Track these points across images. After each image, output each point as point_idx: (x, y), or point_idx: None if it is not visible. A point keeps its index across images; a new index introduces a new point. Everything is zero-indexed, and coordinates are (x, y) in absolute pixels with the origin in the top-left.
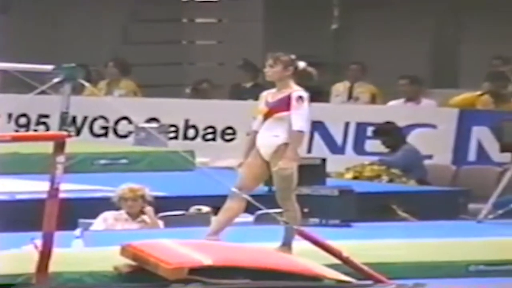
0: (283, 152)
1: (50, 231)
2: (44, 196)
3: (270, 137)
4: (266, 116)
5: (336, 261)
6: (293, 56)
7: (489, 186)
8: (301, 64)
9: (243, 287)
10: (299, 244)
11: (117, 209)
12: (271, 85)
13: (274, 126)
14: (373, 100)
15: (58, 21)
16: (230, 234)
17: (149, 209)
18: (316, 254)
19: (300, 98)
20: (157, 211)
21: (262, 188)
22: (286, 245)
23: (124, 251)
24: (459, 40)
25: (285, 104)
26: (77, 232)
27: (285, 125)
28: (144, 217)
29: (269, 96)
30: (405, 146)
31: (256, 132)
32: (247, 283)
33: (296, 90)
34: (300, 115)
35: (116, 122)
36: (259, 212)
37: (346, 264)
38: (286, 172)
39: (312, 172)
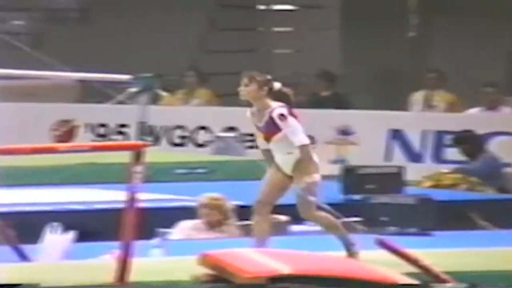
0: (303, 165)
1: (128, 240)
2: (122, 205)
3: (284, 155)
4: (267, 139)
5: (415, 270)
6: (269, 76)
7: None
8: (277, 85)
9: None
10: (377, 252)
11: (196, 218)
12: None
13: (281, 146)
14: (451, 108)
15: (135, 31)
16: (307, 243)
17: (228, 218)
18: (395, 262)
19: (282, 115)
20: (235, 220)
21: (338, 197)
22: (349, 252)
23: (202, 260)
24: None
25: (272, 126)
26: (156, 241)
27: (290, 141)
28: (223, 226)
29: (255, 119)
30: (485, 154)
31: (267, 150)
32: None
33: (274, 109)
34: (292, 131)
35: (194, 132)
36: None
37: (425, 272)
38: (312, 186)
39: (391, 180)
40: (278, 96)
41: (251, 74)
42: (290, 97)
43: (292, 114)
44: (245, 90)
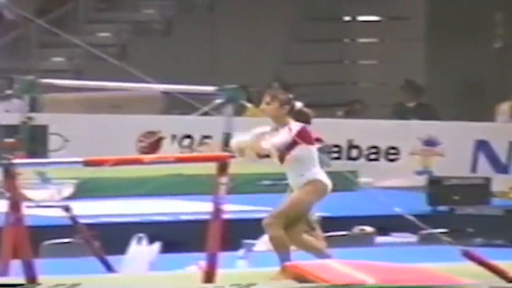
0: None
1: (214, 251)
2: (207, 217)
3: (296, 177)
4: (281, 159)
5: (502, 282)
6: (290, 96)
7: None
8: (298, 104)
9: None
10: (464, 264)
11: None
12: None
13: (295, 166)
14: None
15: (219, 42)
16: (393, 254)
17: (312, 229)
18: (482, 274)
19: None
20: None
21: (424, 208)
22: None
23: (287, 271)
24: None
25: (287, 146)
26: (241, 252)
27: (303, 162)
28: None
29: (269, 138)
30: None
31: None
32: None
33: (295, 126)
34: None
35: None
36: (423, 232)
37: None
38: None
39: (477, 191)
40: (298, 116)
41: (273, 92)
42: (310, 118)
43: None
44: (267, 108)
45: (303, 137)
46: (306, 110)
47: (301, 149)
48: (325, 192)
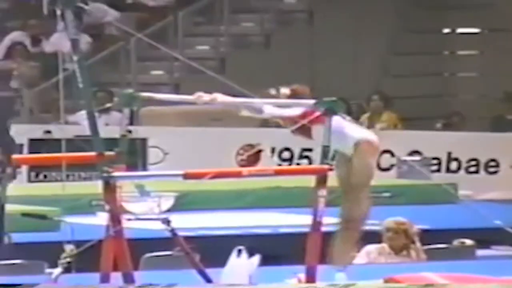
0: None
1: (313, 264)
2: (307, 229)
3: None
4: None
5: None
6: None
7: None
8: None
9: None
10: None
11: (381, 242)
12: None
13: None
14: None
15: (318, 55)
16: (493, 267)
17: (413, 242)
18: None
19: None
20: (420, 244)
21: None
22: None
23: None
24: None
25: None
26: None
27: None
28: (408, 250)
29: None
30: None
31: None
32: None
33: None
34: None
35: (379, 155)
36: None
37: None
38: None
39: None
40: None
41: (292, 87)
42: None
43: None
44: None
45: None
46: None
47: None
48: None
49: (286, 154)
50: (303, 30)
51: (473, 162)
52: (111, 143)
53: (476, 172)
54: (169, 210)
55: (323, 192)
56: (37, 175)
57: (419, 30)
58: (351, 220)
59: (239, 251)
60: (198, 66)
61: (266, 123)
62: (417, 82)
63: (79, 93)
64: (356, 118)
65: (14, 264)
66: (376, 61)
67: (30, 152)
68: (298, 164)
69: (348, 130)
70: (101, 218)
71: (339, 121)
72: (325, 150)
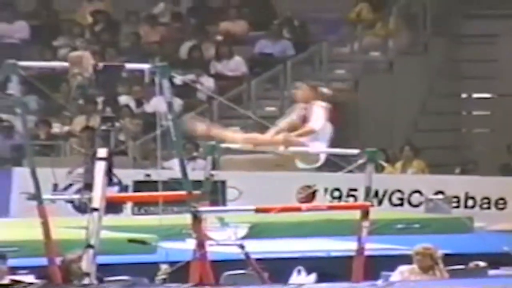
0: None
1: (358, 281)
2: (353, 253)
3: None
4: None
5: None
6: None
7: None
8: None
9: None
10: None
11: (411, 263)
12: None
13: None
14: None
15: (363, 113)
16: (498, 284)
17: (437, 263)
18: None
19: None
20: (443, 265)
21: None
22: None
23: None
24: None
25: None
26: (379, 282)
27: None
28: (434, 270)
29: None
30: None
31: None
32: None
33: None
34: None
35: (410, 195)
36: None
37: None
38: None
39: None
40: None
41: (309, 83)
42: None
43: None
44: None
45: None
46: None
47: None
48: None
49: (336, 193)
50: (350, 95)
51: (486, 200)
52: (197, 184)
53: (488, 208)
54: (243, 238)
55: (366, 223)
56: (139, 209)
57: (442, 95)
58: None
59: (299, 270)
60: (267, 124)
61: (320, 168)
62: (441, 136)
63: (173, 145)
64: (392, 164)
65: (121, 280)
66: (408, 119)
67: (134, 191)
68: (346, 201)
69: None
70: (190, 244)
71: None
72: (367, 191)
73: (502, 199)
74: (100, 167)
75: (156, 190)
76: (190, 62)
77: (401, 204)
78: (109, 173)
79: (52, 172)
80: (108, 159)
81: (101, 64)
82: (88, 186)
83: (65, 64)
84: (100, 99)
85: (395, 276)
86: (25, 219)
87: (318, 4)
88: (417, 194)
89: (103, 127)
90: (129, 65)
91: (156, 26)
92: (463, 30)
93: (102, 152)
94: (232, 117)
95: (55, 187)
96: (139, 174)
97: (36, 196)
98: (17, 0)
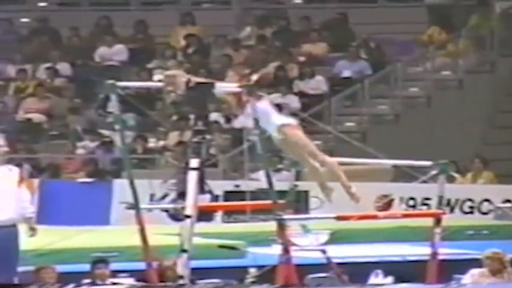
0: None
1: (432, 283)
2: (427, 258)
3: None
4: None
5: None
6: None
7: None
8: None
9: None
10: None
11: (482, 267)
12: None
13: None
14: None
15: (435, 129)
16: None
17: (506, 267)
18: None
19: None
20: None
21: None
22: None
23: None
24: None
25: None
26: (452, 284)
27: None
28: (502, 273)
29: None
30: None
31: None
32: None
33: None
34: None
35: (480, 203)
36: None
37: None
38: None
39: None
40: None
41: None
42: None
43: None
44: None
45: None
46: None
47: None
48: None
49: (411, 202)
50: (424, 112)
51: None
52: (282, 194)
53: None
54: (325, 243)
55: (438, 230)
56: (228, 217)
57: (508, 110)
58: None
59: (377, 273)
60: (346, 138)
61: (396, 179)
62: (508, 148)
63: (259, 158)
64: (463, 175)
65: (212, 282)
66: (477, 132)
67: (224, 201)
68: (420, 209)
69: (273, 116)
70: (275, 249)
71: (267, 107)
72: (440, 199)
73: None
74: (192, 177)
75: (245, 200)
76: (275, 81)
77: (472, 212)
78: (201, 182)
79: (149, 183)
80: (200, 169)
81: (193, 81)
82: (181, 195)
83: (160, 84)
84: (192, 116)
85: (466, 278)
86: (124, 226)
87: (393, 27)
88: (486, 203)
89: (195, 139)
90: (219, 84)
91: (243, 48)
92: None
93: (194, 162)
94: (314, 132)
95: (151, 197)
96: (228, 185)
97: (134, 205)
98: (116, 26)
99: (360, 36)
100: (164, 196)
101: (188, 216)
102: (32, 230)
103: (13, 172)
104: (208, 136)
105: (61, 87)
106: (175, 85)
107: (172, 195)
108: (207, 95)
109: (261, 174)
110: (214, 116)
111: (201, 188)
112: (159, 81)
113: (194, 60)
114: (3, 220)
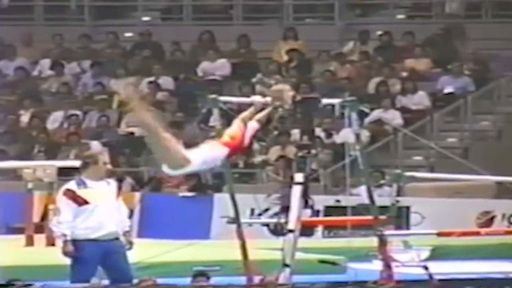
0: None
1: None
2: None
3: None
4: None
5: None
6: None
7: None
8: None
9: None
10: None
11: None
12: None
13: None
14: None
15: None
16: None
17: None
18: None
19: None
20: None
21: None
22: None
23: None
24: None
25: None
26: None
27: None
28: None
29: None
30: None
31: None
32: None
33: None
34: None
35: None
36: None
37: None
38: None
39: None
40: None
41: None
42: None
43: None
44: None
45: None
46: None
47: None
48: None
49: None
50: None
51: None
52: (383, 210)
53: None
54: (426, 260)
55: None
56: (329, 233)
57: None
58: None
59: None
60: (448, 154)
61: (498, 195)
62: None
63: (360, 173)
64: None
65: None
66: None
67: (325, 216)
68: None
69: None
70: (376, 265)
71: None
72: None
73: None
74: (296, 191)
75: (345, 215)
76: (378, 96)
77: None
78: (304, 196)
79: (253, 198)
80: (304, 184)
81: (299, 96)
82: (285, 209)
83: (263, 99)
84: (295, 130)
85: None
86: (225, 241)
87: (497, 43)
88: None
89: (300, 154)
90: (324, 100)
91: (346, 63)
92: None
93: (298, 177)
94: (416, 148)
95: (252, 211)
96: (329, 200)
97: (235, 220)
98: (219, 40)
99: (464, 52)
100: (264, 211)
101: (291, 231)
102: (129, 244)
103: (112, 185)
104: (313, 151)
105: (164, 101)
106: (282, 100)
107: (275, 209)
108: (312, 110)
109: (362, 189)
110: (316, 131)
111: (305, 202)
112: (265, 96)
113: (295, 75)
114: (108, 234)
